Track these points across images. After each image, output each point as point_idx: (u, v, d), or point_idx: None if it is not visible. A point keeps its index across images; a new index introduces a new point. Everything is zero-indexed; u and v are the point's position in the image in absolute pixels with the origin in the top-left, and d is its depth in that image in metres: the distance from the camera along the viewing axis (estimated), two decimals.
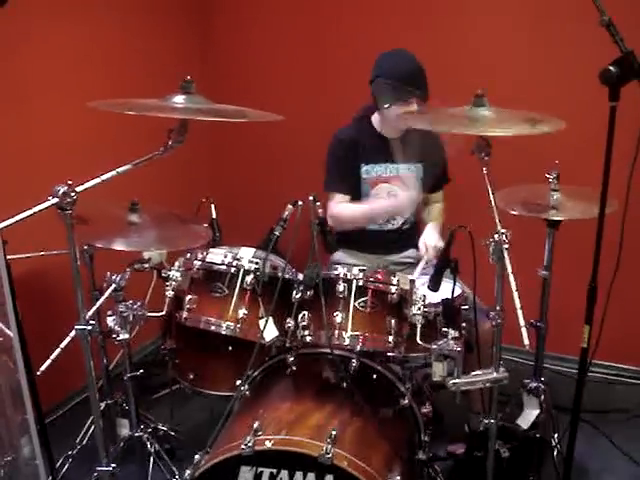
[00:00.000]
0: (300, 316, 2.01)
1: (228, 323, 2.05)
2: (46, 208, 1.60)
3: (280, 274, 2.05)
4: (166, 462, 2.40)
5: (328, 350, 2.05)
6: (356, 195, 2.62)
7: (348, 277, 1.98)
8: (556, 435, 2.51)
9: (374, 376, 2.14)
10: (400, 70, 2.50)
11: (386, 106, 2.48)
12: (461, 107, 1.93)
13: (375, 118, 2.64)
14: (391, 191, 2.63)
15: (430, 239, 2.56)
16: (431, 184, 2.72)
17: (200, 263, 2.12)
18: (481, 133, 1.83)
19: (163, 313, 2.12)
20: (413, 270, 2.64)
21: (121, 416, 2.54)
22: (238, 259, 2.09)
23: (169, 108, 1.79)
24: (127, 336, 2.09)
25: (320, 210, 1.98)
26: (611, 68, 1.64)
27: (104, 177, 1.70)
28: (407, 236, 2.74)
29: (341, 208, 2.56)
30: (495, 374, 1.77)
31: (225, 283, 2.08)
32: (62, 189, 1.59)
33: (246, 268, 2.08)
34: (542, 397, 2.50)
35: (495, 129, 1.84)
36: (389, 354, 2.08)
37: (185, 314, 2.08)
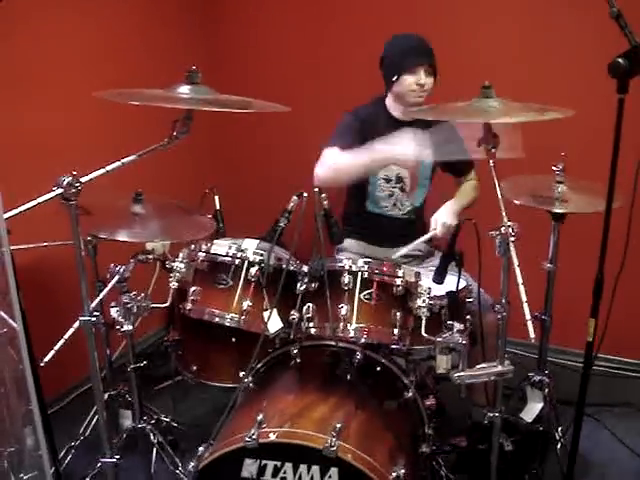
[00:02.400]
0: (305, 308, 2.00)
1: (232, 315, 2.04)
2: (51, 198, 1.59)
3: (285, 266, 2.04)
4: (169, 453, 2.40)
5: (332, 342, 2.05)
6: None
7: (353, 269, 1.97)
8: (560, 428, 2.51)
9: (378, 368, 2.14)
10: (405, 42, 2.51)
11: (394, 78, 2.46)
12: (469, 100, 1.92)
13: (388, 101, 2.61)
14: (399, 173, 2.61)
15: (442, 215, 2.43)
16: (448, 167, 2.70)
17: (204, 254, 2.12)
18: (492, 121, 1.82)
19: (167, 304, 2.11)
20: (420, 263, 2.64)
21: (124, 407, 2.54)
22: (242, 250, 2.08)
23: (174, 98, 1.77)
24: (131, 327, 2.07)
25: (325, 202, 1.96)
26: (620, 60, 1.63)
27: (109, 168, 1.69)
28: (414, 227, 2.69)
29: (336, 155, 2.40)
30: (500, 367, 1.76)
31: (229, 274, 2.07)
32: (67, 179, 1.58)
33: (250, 260, 2.06)
34: (546, 390, 2.50)
35: (504, 117, 1.83)
36: (393, 346, 2.07)
37: (189, 305, 2.08)
